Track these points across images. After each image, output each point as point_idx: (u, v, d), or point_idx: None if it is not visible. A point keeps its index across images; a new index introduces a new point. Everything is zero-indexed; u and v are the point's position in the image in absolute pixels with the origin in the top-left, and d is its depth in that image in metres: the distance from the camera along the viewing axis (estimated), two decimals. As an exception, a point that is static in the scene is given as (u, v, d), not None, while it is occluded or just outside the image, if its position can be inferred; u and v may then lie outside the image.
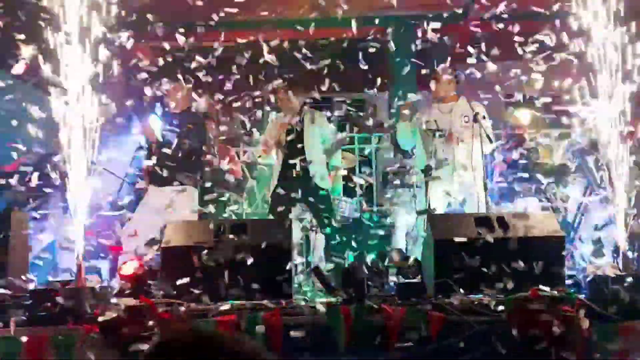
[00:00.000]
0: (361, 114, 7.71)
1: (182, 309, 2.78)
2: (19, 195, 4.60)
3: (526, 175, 4.91)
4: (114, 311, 2.70)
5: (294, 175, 4.49)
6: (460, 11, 7.12)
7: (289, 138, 4.71)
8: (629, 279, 2.80)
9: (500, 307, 2.70)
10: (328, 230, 4.67)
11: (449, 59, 6.89)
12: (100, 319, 2.69)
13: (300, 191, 4.49)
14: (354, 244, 4.90)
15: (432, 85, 4.73)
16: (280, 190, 4.51)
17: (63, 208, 4.69)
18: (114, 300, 2.88)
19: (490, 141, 4.23)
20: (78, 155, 2.95)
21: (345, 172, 5.72)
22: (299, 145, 4.68)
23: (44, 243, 4.60)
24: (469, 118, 4.30)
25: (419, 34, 7.32)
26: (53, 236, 4.85)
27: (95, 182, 3.12)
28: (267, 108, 7.88)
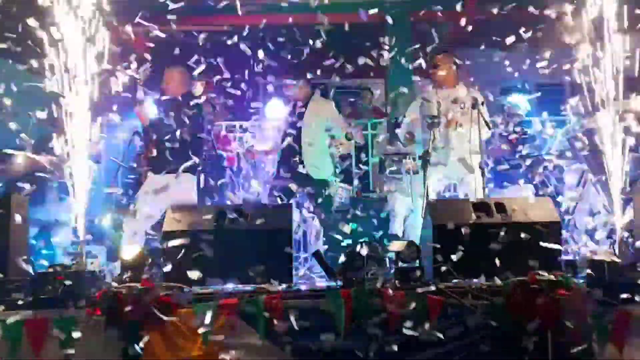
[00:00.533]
0: (358, 100, 7.74)
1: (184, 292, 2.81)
2: (16, 179, 4.61)
3: (523, 161, 4.95)
4: (115, 294, 2.72)
5: (295, 163, 4.53)
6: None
7: (289, 128, 4.73)
8: (625, 264, 2.84)
9: (499, 291, 2.74)
10: (326, 216, 4.69)
11: (447, 45, 6.89)
12: (101, 302, 2.72)
13: (299, 179, 4.53)
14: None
15: (433, 72, 4.73)
16: (280, 177, 4.54)
17: (59, 192, 4.72)
18: (114, 284, 2.89)
19: (489, 127, 4.26)
20: (79, 139, 2.96)
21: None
22: (296, 137, 4.70)
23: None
24: (466, 105, 4.31)
25: (417, 20, 7.38)
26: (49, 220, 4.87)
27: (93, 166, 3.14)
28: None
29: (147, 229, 4.17)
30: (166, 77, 4.62)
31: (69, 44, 3.07)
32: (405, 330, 2.64)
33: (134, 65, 4.06)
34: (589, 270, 2.86)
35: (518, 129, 5.51)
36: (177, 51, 4.59)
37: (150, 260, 3.12)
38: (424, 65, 5.29)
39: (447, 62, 4.68)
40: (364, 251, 3.09)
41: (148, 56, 4.63)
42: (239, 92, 5.49)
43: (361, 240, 3.34)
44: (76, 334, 2.65)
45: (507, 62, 6.07)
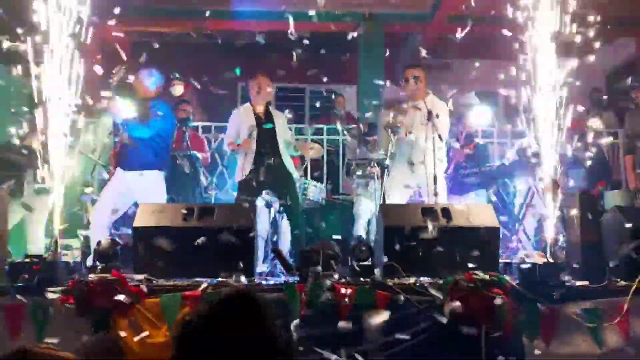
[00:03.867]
0: (331, 106, 7.98)
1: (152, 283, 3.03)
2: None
3: (477, 170, 5.24)
4: (87, 284, 2.93)
5: (267, 163, 4.66)
6: (428, 11, 7.45)
7: (259, 126, 4.79)
8: (555, 267, 3.15)
9: (440, 289, 3.01)
10: (296, 214, 4.87)
11: (417, 56, 7.15)
12: (73, 290, 2.92)
13: (271, 178, 4.67)
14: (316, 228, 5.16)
15: (403, 84, 4.95)
16: (250, 178, 4.68)
17: (35, 185, 4.87)
18: (87, 274, 3.10)
19: (440, 139, 4.51)
20: (56, 134, 3.15)
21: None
22: (271, 133, 4.81)
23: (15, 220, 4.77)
24: (425, 117, 4.57)
25: (389, 31, 7.67)
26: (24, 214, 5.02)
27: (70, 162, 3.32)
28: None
29: (111, 222, 4.37)
30: (143, 78, 4.70)
31: (50, 35, 3.22)
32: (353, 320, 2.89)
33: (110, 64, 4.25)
34: (522, 272, 3.16)
35: (466, 142, 5.77)
36: (154, 52, 4.74)
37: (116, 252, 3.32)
38: (395, 74, 5.55)
39: (417, 74, 4.86)
40: (322, 250, 3.34)
41: (124, 56, 4.80)
42: (214, 94, 5.69)
43: (323, 239, 3.60)
44: (49, 320, 2.86)
45: (473, 74, 6.39)
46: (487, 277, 2.99)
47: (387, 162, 4.46)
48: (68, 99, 3.27)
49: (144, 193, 4.32)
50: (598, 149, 5.77)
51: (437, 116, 4.40)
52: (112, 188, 4.51)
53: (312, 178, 6.30)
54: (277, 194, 4.95)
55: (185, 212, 3.35)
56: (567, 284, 3.12)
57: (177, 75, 4.78)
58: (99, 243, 3.25)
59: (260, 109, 4.91)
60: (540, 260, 3.19)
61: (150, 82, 4.66)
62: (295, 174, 5.00)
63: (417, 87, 4.82)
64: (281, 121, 4.94)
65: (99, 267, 3.13)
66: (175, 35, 7.84)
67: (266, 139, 4.79)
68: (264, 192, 4.86)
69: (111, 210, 4.39)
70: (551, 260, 3.18)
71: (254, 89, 4.89)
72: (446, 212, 3.36)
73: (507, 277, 3.08)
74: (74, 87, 3.30)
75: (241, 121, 4.89)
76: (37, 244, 4.76)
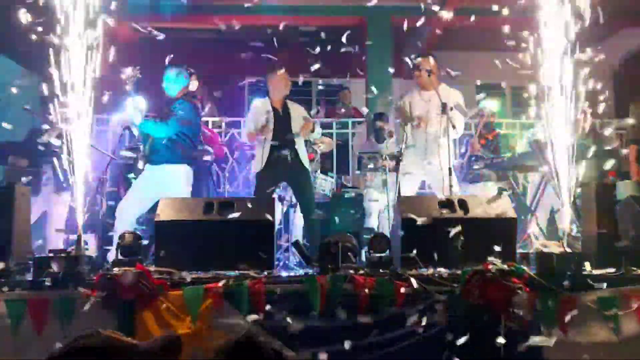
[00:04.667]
0: (340, 101, 8.00)
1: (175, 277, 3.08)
2: (14, 170, 4.82)
3: (490, 161, 5.26)
4: (112, 277, 2.97)
5: (281, 156, 4.72)
6: (437, 3, 7.44)
7: (276, 119, 4.87)
8: (573, 256, 3.18)
9: (458, 280, 3.05)
10: (311, 207, 4.92)
11: (426, 48, 7.17)
12: (98, 284, 2.97)
13: (286, 171, 4.73)
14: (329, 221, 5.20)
15: (416, 73, 4.96)
16: (266, 171, 4.74)
17: (55, 183, 4.93)
18: (112, 268, 3.15)
19: (454, 127, 4.52)
20: (78, 131, 3.19)
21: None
22: (286, 127, 4.87)
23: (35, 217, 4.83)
24: (439, 108, 4.59)
25: (396, 24, 7.67)
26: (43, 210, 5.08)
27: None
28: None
29: (136, 217, 4.43)
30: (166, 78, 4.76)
31: (67, 41, 3.26)
32: (373, 312, 2.94)
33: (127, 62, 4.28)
34: (539, 261, 3.20)
35: (485, 131, 5.82)
36: (168, 49, 4.78)
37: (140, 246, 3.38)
38: (405, 66, 5.55)
39: (428, 65, 4.89)
40: (340, 242, 3.38)
41: (140, 54, 4.84)
42: (224, 89, 5.73)
43: (338, 232, 3.64)
44: (74, 314, 2.90)
45: (483, 65, 6.39)
46: (505, 267, 3.04)
47: (403, 155, 4.48)
48: (85, 95, 3.29)
49: (171, 187, 4.40)
50: (606, 139, 5.78)
51: (452, 108, 4.42)
52: (141, 184, 4.57)
53: (321, 171, 6.34)
54: (292, 187, 5.01)
55: (205, 205, 3.39)
56: (584, 272, 3.15)
57: (192, 71, 4.82)
58: (122, 237, 3.30)
59: (277, 102, 4.97)
60: (557, 249, 3.22)
61: (178, 82, 4.71)
62: (310, 168, 5.05)
63: (428, 77, 4.84)
64: (297, 114, 4.98)
65: (122, 260, 3.18)
66: (183, 30, 7.86)
67: (282, 132, 4.83)
68: (280, 185, 4.92)
69: (138, 206, 4.45)
70: (568, 250, 3.21)
71: (272, 83, 4.95)
72: (463, 203, 3.39)
73: (524, 267, 3.12)
74: (90, 83, 3.33)
75: (259, 113, 4.96)
76: (55, 240, 4.82)
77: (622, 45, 8.42)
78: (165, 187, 4.39)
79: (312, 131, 4.99)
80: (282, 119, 4.91)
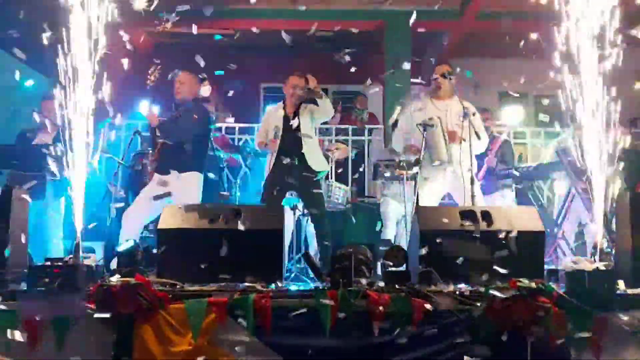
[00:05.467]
0: (356, 106, 7.81)
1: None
2: (16, 175, 4.71)
3: (512, 171, 5.03)
4: (109, 288, 2.80)
5: (290, 162, 4.58)
6: (457, 8, 7.23)
7: (286, 126, 4.76)
8: (606, 273, 2.94)
9: (481, 297, 2.82)
10: (320, 216, 4.76)
11: (444, 54, 6.95)
12: (95, 295, 2.80)
13: (294, 178, 4.57)
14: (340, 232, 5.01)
15: (433, 84, 4.79)
16: (275, 177, 4.61)
17: (54, 189, 4.82)
18: (110, 277, 2.98)
19: (479, 138, 4.34)
20: (78, 137, 3.04)
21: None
22: (296, 133, 4.74)
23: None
24: (461, 116, 4.39)
25: (415, 29, 7.47)
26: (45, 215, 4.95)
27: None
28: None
29: (143, 226, 4.29)
30: (180, 79, 4.69)
31: (74, 42, 3.14)
32: (388, 331, 2.73)
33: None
34: (569, 279, 2.96)
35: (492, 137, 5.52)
36: (180, 54, 4.70)
37: (141, 255, 3.21)
38: (422, 73, 5.36)
39: (446, 73, 4.73)
40: (353, 254, 3.18)
41: (155, 59, 4.74)
42: (237, 94, 5.60)
43: (352, 243, 3.43)
44: (70, 325, 2.74)
45: (505, 73, 6.16)
46: (532, 284, 2.80)
47: (421, 163, 4.26)
48: (88, 98, 3.15)
49: (181, 194, 4.30)
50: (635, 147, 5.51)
51: (474, 114, 4.20)
52: (149, 192, 4.44)
53: (336, 179, 6.14)
54: (301, 196, 4.85)
55: (212, 214, 3.20)
56: (618, 291, 2.90)
57: (205, 76, 4.71)
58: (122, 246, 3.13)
59: (291, 108, 4.87)
60: (588, 266, 2.97)
61: (194, 84, 4.64)
62: (323, 169, 4.86)
63: (446, 87, 4.69)
64: (308, 120, 4.81)
65: (122, 271, 3.01)
66: (198, 36, 7.74)
67: (290, 140, 4.71)
68: (287, 193, 4.77)
69: (145, 213, 4.33)
70: (601, 267, 2.97)
71: (284, 89, 4.91)
72: (487, 215, 3.17)
73: (553, 285, 2.89)
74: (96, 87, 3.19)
75: (271, 120, 4.91)
76: (57, 247, 4.70)
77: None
78: (175, 194, 4.25)
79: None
80: (290, 129, 4.77)
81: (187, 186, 4.45)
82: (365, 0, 7.16)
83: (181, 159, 4.46)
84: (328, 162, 5.74)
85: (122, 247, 3.18)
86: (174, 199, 4.33)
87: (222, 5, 6.95)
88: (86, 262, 2.97)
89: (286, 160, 4.59)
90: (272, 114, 4.96)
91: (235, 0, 7.04)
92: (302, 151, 4.71)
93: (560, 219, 4.71)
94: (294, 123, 4.72)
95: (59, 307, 2.78)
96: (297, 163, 4.66)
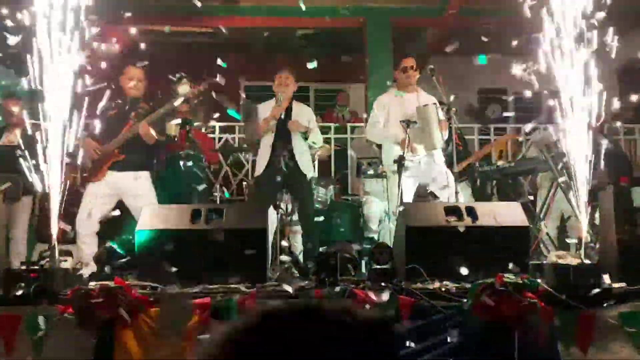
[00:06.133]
0: (337, 103, 7.77)
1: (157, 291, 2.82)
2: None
3: (496, 167, 5.01)
4: (87, 292, 2.72)
5: (281, 162, 4.52)
6: (438, 5, 7.23)
7: (277, 125, 4.71)
8: (591, 268, 2.93)
9: (466, 293, 2.80)
10: (307, 215, 4.72)
11: (426, 51, 6.94)
12: (73, 300, 2.71)
13: (285, 176, 4.52)
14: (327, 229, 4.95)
15: (398, 75, 4.77)
16: (265, 176, 4.54)
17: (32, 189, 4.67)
18: (88, 282, 2.89)
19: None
20: (54, 137, 2.95)
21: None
22: (287, 133, 4.70)
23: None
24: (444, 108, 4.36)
25: (396, 26, 7.46)
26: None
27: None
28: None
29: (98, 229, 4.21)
30: (132, 77, 4.54)
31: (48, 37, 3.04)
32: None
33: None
34: (554, 274, 2.95)
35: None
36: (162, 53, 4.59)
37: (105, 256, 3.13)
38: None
39: (413, 65, 4.72)
40: (338, 252, 3.14)
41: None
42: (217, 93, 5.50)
43: (336, 241, 3.39)
44: (47, 331, 2.65)
45: (485, 70, 6.17)
46: (518, 280, 2.79)
47: (403, 158, 4.23)
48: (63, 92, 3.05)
49: (136, 196, 4.22)
50: (615, 143, 5.56)
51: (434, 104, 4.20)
52: (97, 193, 4.29)
53: (319, 177, 6.09)
54: (291, 194, 4.80)
55: (193, 213, 3.13)
56: (604, 286, 2.90)
57: (184, 75, 4.59)
58: (98, 250, 3.04)
59: (285, 102, 4.80)
60: (574, 261, 2.97)
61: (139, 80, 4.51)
62: (310, 174, 4.82)
63: (412, 80, 4.70)
64: (300, 118, 4.76)
65: (100, 274, 2.92)
66: (175, 34, 7.64)
67: (281, 136, 4.64)
68: (278, 192, 4.71)
69: (99, 217, 4.20)
70: (586, 261, 2.96)
71: (274, 87, 4.85)
72: (471, 211, 3.14)
73: (539, 280, 2.87)
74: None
75: (262, 115, 4.82)
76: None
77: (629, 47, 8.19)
78: (128, 195, 4.25)
79: (305, 137, 4.74)
80: (283, 122, 4.71)
81: (142, 187, 4.33)
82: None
83: (134, 159, 4.33)
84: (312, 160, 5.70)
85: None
86: (127, 201, 4.27)
87: (202, 2, 6.85)
88: (63, 266, 2.88)
89: (280, 158, 4.55)
90: (262, 109, 4.88)
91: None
92: (293, 150, 4.66)
93: (543, 214, 4.71)
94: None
95: (35, 311, 2.69)
96: (288, 161, 4.62)
